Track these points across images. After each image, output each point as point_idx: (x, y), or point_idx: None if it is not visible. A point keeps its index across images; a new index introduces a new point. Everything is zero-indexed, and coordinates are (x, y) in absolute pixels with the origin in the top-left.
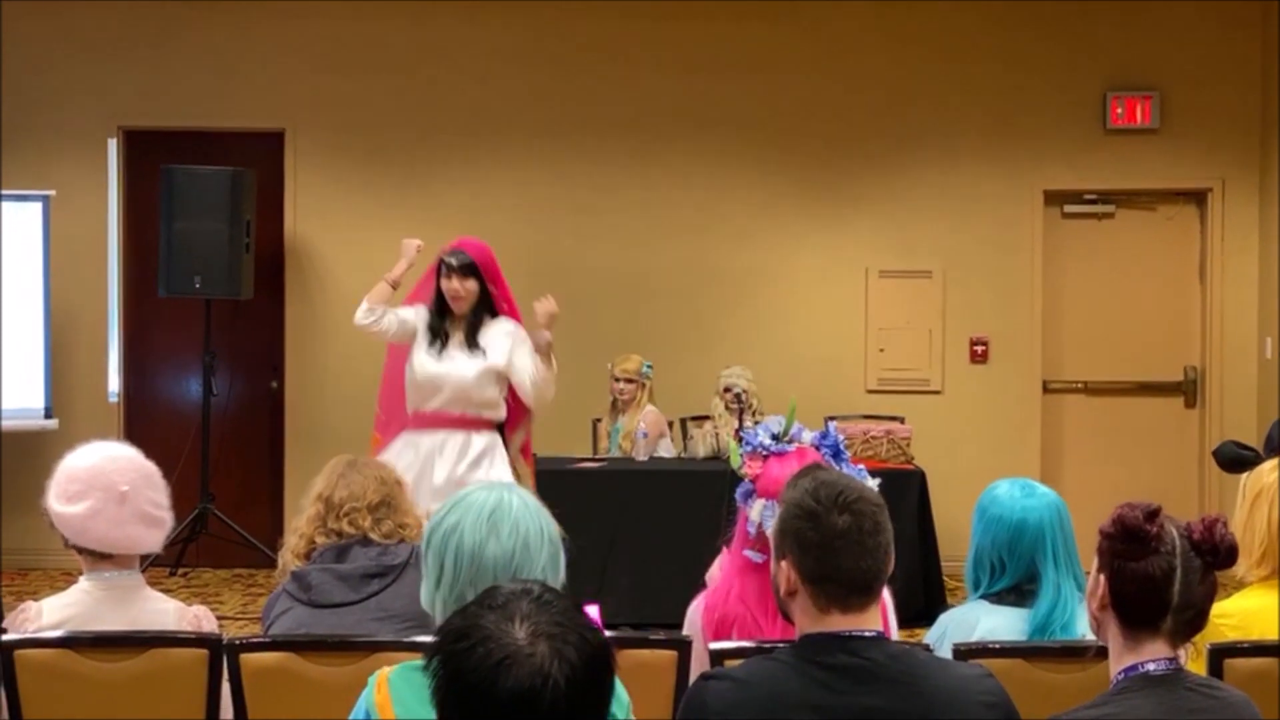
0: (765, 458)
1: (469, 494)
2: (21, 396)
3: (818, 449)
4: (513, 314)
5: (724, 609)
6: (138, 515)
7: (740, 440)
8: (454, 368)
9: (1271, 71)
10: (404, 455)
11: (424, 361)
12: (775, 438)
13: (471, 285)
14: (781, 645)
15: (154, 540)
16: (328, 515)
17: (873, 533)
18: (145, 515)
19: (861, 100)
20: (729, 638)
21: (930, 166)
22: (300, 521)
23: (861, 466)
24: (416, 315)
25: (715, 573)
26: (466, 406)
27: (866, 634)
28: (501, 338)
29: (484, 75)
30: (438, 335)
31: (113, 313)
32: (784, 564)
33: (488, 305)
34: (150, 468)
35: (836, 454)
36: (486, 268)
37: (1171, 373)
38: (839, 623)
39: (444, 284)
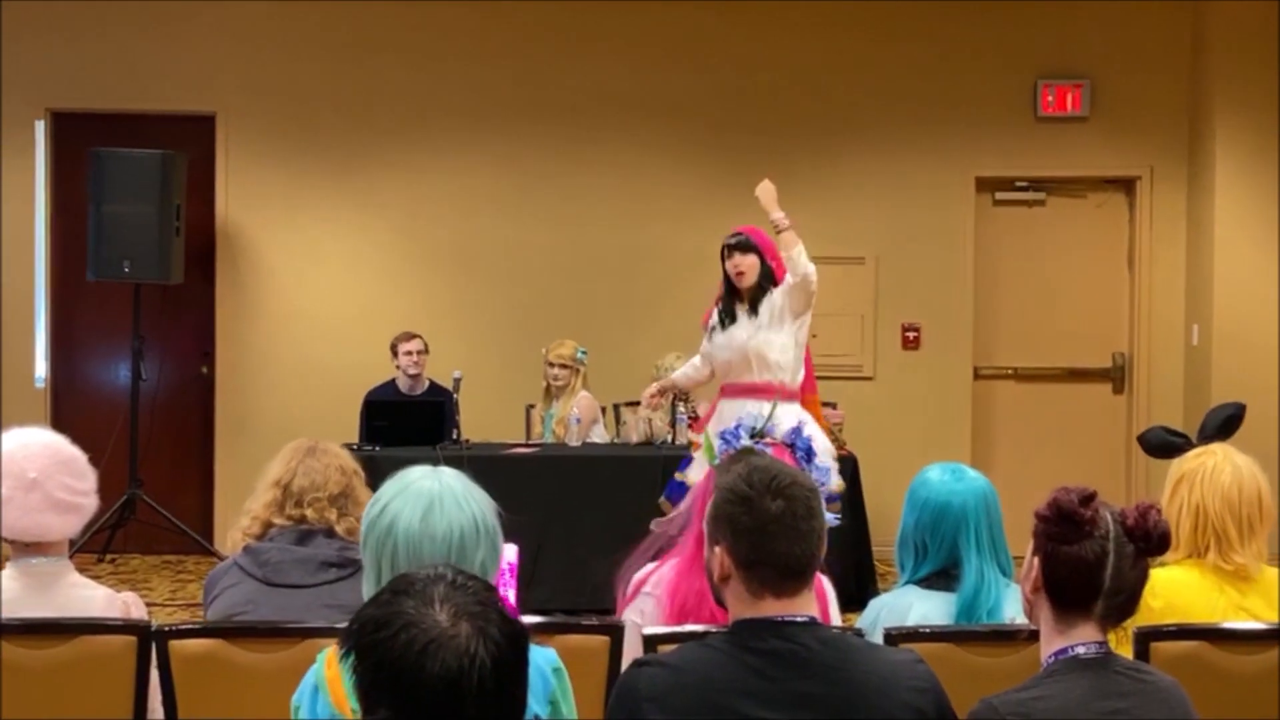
0: None
1: (406, 486)
2: None
3: (791, 446)
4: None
5: (685, 597)
6: (49, 502)
7: (721, 438)
8: (733, 336)
9: (1200, 61)
10: (712, 424)
11: (709, 341)
12: (754, 435)
13: (752, 260)
14: (715, 631)
15: (69, 527)
16: (285, 502)
17: (806, 517)
18: (57, 502)
19: (795, 88)
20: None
21: (863, 153)
22: (254, 504)
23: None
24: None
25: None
26: (745, 372)
27: (799, 619)
28: (776, 296)
29: (420, 61)
30: (725, 316)
31: (40, 297)
32: (718, 549)
33: (770, 277)
34: (67, 453)
35: (809, 457)
36: (764, 244)
37: (1100, 359)
38: (772, 608)
39: (728, 264)
